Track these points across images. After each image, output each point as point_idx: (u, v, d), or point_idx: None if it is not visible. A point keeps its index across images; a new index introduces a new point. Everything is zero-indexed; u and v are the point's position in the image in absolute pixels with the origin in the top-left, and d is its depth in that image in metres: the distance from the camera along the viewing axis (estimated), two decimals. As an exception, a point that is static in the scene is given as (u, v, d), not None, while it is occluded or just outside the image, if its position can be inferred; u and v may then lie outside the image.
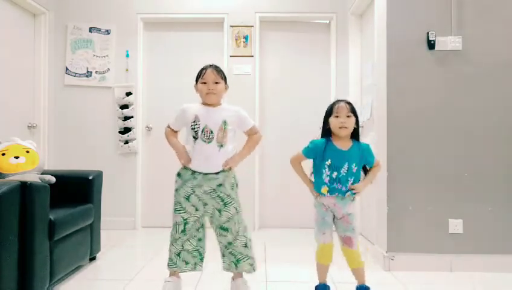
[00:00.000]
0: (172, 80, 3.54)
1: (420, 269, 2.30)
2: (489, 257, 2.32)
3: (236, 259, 1.86)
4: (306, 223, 3.46)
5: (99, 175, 2.51)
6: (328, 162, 1.74)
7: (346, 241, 1.77)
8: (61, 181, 2.21)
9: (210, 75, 1.82)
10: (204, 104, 1.87)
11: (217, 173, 1.82)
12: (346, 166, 1.72)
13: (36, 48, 3.29)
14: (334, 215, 1.79)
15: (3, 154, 2.12)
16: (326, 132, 1.81)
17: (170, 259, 1.89)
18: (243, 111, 1.91)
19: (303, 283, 2.08)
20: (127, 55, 3.47)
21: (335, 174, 1.72)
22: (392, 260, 2.33)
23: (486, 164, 2.35)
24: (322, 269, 1.83)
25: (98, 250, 2.52)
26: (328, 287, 1.86)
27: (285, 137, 3.57)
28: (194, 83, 1.89)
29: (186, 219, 1.85)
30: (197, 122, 1.82)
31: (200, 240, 1.91)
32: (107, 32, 3.47)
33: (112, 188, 3.27)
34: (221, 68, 1.90)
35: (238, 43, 3.48)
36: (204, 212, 1.86)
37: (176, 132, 1.95)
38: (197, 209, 1.84)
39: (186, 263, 1.88)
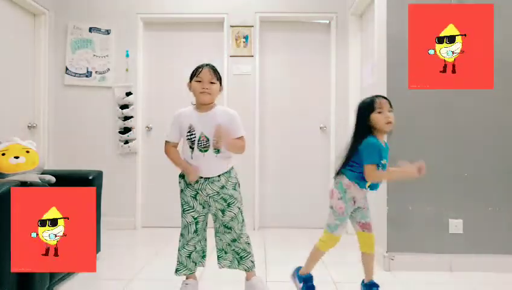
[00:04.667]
0: (172, 80, 3.54)
1: (420, 269, 2.31)
2: (489, 257, 2.32)
3: (240, 256, 1.89)
4: (306, 223, 3.47)
5: (99, 175, 2.51)
6: (384, 161, 1.72)
7: (367, 227, 1.84)
8: (61, 181, 2.21)
9: (206, 74, 1.80)
10: (197, 107, 1.84)
11: (218, 176, 1.82)
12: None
13: (36, 48, 3.29)
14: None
15: (3, 154, 2.12)
16: (366, 129, 1.75)
17: (180, 263, 1.87)
18: (238, 118, 1.85)
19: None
20: (127, 55, 3.47)
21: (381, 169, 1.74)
22: (392, 260, 2.33)
23: (486, 164, 2.35)
24: (318, 257, 1.89)
25: (98, 250, 2.51)
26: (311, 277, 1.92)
27: (285, 137, 3.57)
28: (188, 81, 1.86)
29: (196, 218, 1.86)
30: (192, 132, 1.79)
31: (205, 239, 1.95)
32: (107, 32, 3.47)
33: (112, 188, 3.27)
34: (217, 69, 1.88)
35: (238, 43, 3.47)
36: (209, 211, 1.88)
37: (175, 145, 1.88)
38: (203, 207, 1.86)
39: (195, 264, 1.91)
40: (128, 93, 3.44)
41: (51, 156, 3.38)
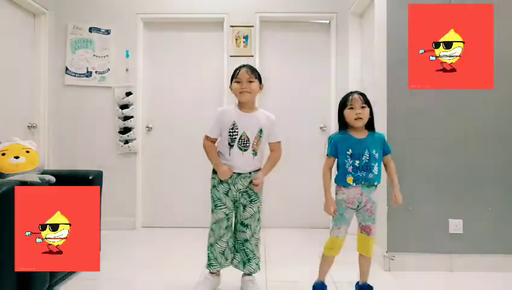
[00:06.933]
0: (172, 80, 3.54)
1: (420, 269, 2.31)
2: (489, 257, 2.32)
3: (248, 258, 1.94)
4: (306, 223, 3.47)
5: (99, 175, 2.50)
6: (349, 151, 1.77)
7: (366, 230, 1.81)
8: (61, 181, 2.20)
9: (244, 74, 1.87)
10: (240, 106, 1.92)
11: (249, 173, 1.90)
12: (367, 153, 1.75)
13: (36, 48, 3.29)
14: (357, 206, 1.80)
15: (3, 154, 2.12)
16: (342, 124, 1.84)
17: (214, 259, 1.93)
18: (278, 123, 1.96)
19: (303, 283, 2.08)
20: (127, 55, 3.47)
21: (357, 162, 1.75)
22: (392, 260, 2.33)
23: (486, 164, 2.35)
24: (326, 264, 1.86)
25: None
26: (326, 286, 1.88)
27: (285, 137, 3.55)
28: (229, 84, 1.96)
29: (228, 214, 1.93)
30: (235, 129, 1.86)
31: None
32: (107, 32, 3.47)
33: (112, 188, 3.27)
34: (255, 68, 1.94)
35: (238, 43, 3.47)
36: (235, 207, 1.95)
37: (214, 140, 1.95)
38: (234, 204, 1.93)
39: (226, 259, 1.96)
40: (128, 93, 3.44)
41: (51, 156, 3.38)
